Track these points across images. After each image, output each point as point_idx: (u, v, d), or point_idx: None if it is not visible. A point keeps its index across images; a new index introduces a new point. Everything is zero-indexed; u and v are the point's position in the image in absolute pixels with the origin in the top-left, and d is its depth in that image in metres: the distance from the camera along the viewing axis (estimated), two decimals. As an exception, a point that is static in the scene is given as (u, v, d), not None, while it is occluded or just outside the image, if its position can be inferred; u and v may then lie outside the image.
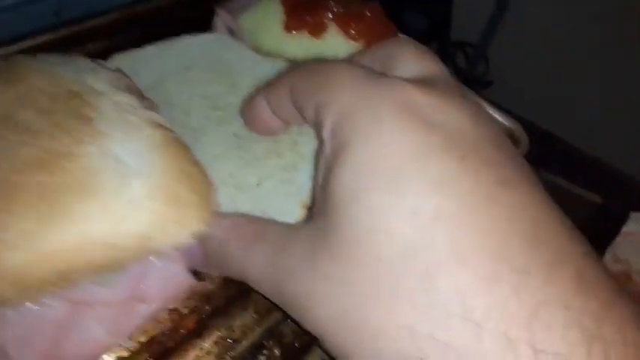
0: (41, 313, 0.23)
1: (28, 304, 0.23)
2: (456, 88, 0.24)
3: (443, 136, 0.21)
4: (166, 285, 0.25)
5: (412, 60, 0.25)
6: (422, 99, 0.22)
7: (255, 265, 0.24)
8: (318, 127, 0.24)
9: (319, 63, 0.26)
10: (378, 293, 0.19)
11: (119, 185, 0.22)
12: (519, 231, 0.19)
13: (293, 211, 0.32)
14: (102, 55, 0.30)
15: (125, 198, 0.22)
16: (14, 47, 0.43)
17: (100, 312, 0.24)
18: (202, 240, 0.25)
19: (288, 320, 0.36)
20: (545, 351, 0.17)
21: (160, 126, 0.25)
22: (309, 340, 0.35)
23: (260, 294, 0.35)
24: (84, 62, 0.28)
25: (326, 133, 0.23)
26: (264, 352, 0.34)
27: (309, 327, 0.23)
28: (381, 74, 0.24)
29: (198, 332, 0.33)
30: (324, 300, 0.21)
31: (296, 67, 0.27)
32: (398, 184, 0.20)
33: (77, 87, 0.25)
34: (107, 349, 0.24)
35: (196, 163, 0.25)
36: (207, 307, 0.34)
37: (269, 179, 0.33)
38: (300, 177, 0.34)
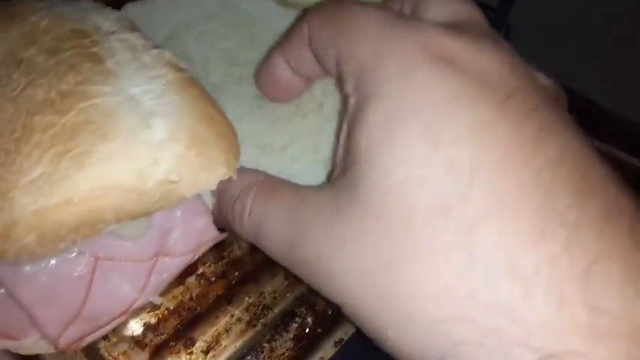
0: (64, 269, 0.21)
1: (50, 259, 0.21)
2: (490, 32, 0.22)
3: (478, 81, 0.19)
4: (192, 238, 0.24)
5: (443, 3, 0.23)
6: (454, 44, 0.20)
7: (270, 224, 0.22)
8: (341, 78, 0.22)
9: (339, 5, 0.23)
10: (412, 250, 0.18)
11: (139, 126, 0.20)
12: (567, 182, 0.17)
13: (320, 179, 0.30)
14: (112, 5, 0.29)
15: (146, 139, 0.20)
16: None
17: (126, 267, 0.22)
18: (218, 191, 0.24)
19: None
20: (603, 309, 0.16)
21: (176, 67, 0.23)
22: (335, 312, 0.34)
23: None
24: (86, 2, 0.26)
25: (349, 84, 0.21)
26: (296, 319, 0.33)
27: (329, 293, 0.20)
28: (409, 18, 0.22)
29: (228, 298, 0.31)
30: (348, 261, 0.19)
31: (313, 11, 0.24)
32: (432, 132, 0.18)
33: (83, 26, 0.24)
34: (135, 307, 0.23)
35: (217, 106, 0.24)
36: (236, 273, 0.33)
37: (294, 144, 0.31)
38: (327, 142, 0.32)
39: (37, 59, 0.21)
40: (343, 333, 0.31)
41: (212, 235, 0.24)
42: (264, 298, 0.32)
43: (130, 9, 0.32)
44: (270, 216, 0.22)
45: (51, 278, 0.21)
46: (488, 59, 0.20)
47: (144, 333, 0.28)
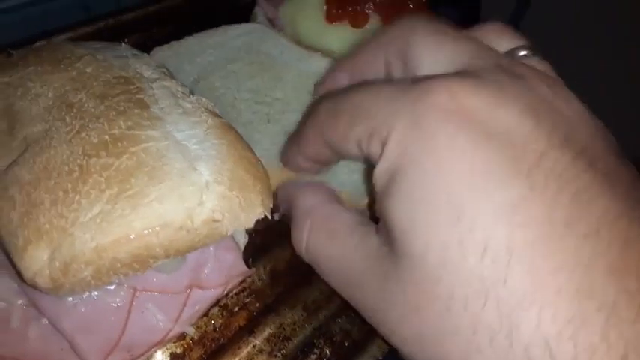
0: (104, 300, 0.22)
1: (93, 292, 0.22)
2: (499, 67, 0.20)
3: (504, 144, 0.18)
4: (223, 272, 0.25)
5: (435, 47, 0.21)
6: (471, 100, 0.18)
7: (326, 263, 0.23)
8: (367, 158, 0.22)
9: (339, 96, 0.23)
10: (452, 330, 0.18)
11: (186, 169, 0.22)
12: (605, 258, 0.17)
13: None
14: (139, 48, 0.30)
15: (193, 181, 0.21)
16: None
17: (161, 298, 0.23)
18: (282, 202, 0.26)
19: (338, 319, 0.35)
20: None
21: (214, 112, 0.25)
22: (358, 339, 0.34)
23: (308, 290, 0.35)
24: (123, 49, 0.28)
25: (380, 168, 0.20)
26: (315, 350, 0.33)
27: (384, 334, 0.21)
28: (411, 80, 0.20)
29: (249, 329, 0.32)
30: (400, 322, 0.19)
31: (316, 106, 0.24)
32: (462, 216, 0.18)
33: (126, 73, 0.25)
34: (170, 336, 0.24)
35: (251, 150, 0.25)
36: (257, 304, 0.34)
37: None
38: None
39: (87, 104, 0.23)
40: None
41: (241, 269, 0.25)
42: (284, 329, 0.33)
43: (157, 53, 0.34)
44: (326, 255, 0.23)
45: (91, 309, 0.22)
46: (509, 113, 0.18)
47: (170, 363, 0.29)
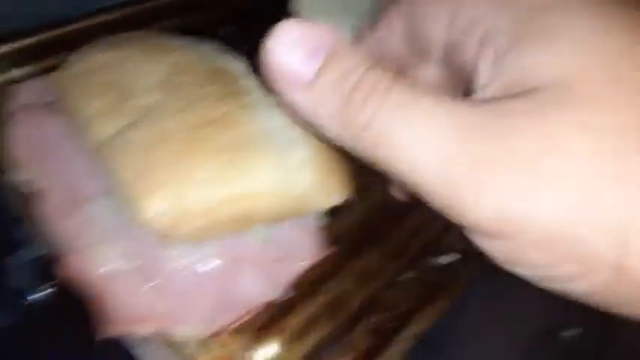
0: (205, 266, 0.25)
1: (192, 259, 0.25)
2: None
3: None
4: (305, 250, 0.27)
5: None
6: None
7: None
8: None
9: None
10: None
11: (282, 150, 0.24)
12: None
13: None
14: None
15: (288, 161, 0.24)
16: (84, 24, 0.44)
17: (255, 267, 0.26)
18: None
19: (387, 291, 0.38)
20: None
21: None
22: (405, 310, 0.37)
23: (358, 263, 0.37)
24: (212, 45, 0.29)
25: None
26: (370, 316, 0.36)
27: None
28: None
29: (314, 292, 0.35)
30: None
31: None
32: None
33: (222, 64, 0.27)
34: (263, 302, 0.26)
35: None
36: (311, 273, 0.37)
37: None
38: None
39: (189, 87, 0.25)
40: (417, 329, 0.35)
41: (321, 248, 0.29)
42: (339, 296, 0.36)
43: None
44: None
45: (196, 271, 0.25)
46: None
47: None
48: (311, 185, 0.24)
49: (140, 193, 0.22)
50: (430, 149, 0.15)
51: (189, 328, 0.25)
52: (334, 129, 0.17)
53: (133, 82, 0.25)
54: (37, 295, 0.37)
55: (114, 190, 0.24)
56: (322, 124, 0.17)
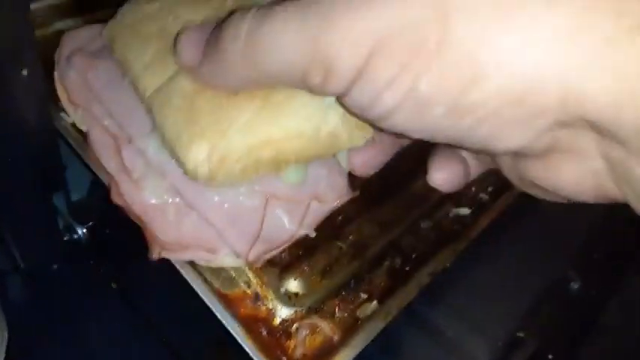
0: (244, 201, 0.28)
1: (231, 192, 0.27)
2: None
3: None
4: (335, 191, 0.30)
5: None
6: None
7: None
8: None
9: None
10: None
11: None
12: None
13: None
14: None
15: (320, 102, 0.25)
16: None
17: (287, 206, 0.28)
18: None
19: (407, 235, 0.41)
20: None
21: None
22: (423, 252, 0.40)
23: (379, 211, 0.40)
24: None
25: None
26: (387, 258, 0.39)
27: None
28: None
29: (335, 235, 0.38)
30: None
31: None
32: None
33: None
34: (295, 237, 0.29)
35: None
36: (339, 217, 0.39)
37: None
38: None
39: None
40: (432, 269, 0.38)
41: (347, 190, 0.30)
42: (364, 239, 0.39)
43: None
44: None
45: (234, 206, 0.27)
46: None
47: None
48: (342, 121, 0.25)
49: (182, 145, 0.24)
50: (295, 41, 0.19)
51: (228, 257, 0.28)
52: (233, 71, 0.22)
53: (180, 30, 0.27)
54: (75, 235, 0.41)
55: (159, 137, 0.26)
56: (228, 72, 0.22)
